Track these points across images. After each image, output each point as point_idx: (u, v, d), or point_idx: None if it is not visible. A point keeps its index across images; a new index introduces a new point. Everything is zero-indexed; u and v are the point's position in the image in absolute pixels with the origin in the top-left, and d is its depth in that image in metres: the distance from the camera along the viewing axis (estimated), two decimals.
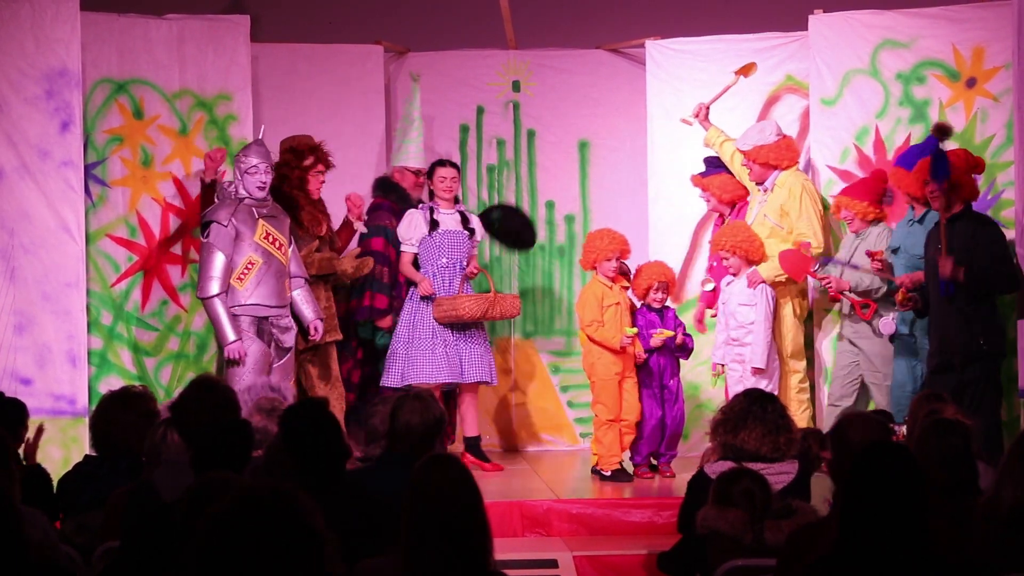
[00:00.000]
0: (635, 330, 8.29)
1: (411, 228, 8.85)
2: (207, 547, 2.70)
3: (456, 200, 8.97)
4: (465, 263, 8.86)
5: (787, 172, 8.50)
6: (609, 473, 8.22)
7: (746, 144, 8.58)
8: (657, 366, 8.37)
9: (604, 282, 8.36)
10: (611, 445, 8.23)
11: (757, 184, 8.61)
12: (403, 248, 8.87)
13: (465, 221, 8.93)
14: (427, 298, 8.71)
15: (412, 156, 9.10)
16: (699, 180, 8.92)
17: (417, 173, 9.08)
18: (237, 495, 2.73)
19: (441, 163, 9.01)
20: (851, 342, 8.40)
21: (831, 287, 8.17)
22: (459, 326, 8.71)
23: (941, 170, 7.51)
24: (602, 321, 8.27)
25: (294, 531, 2.71)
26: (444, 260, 8.81)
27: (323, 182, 8.58)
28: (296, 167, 8.48)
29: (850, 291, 8.19)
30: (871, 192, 8.37)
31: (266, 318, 8.12)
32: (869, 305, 8.15)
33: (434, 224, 8.80)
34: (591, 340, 8.32)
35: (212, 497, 3.85)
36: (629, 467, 8.39)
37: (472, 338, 8.75)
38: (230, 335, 7.92)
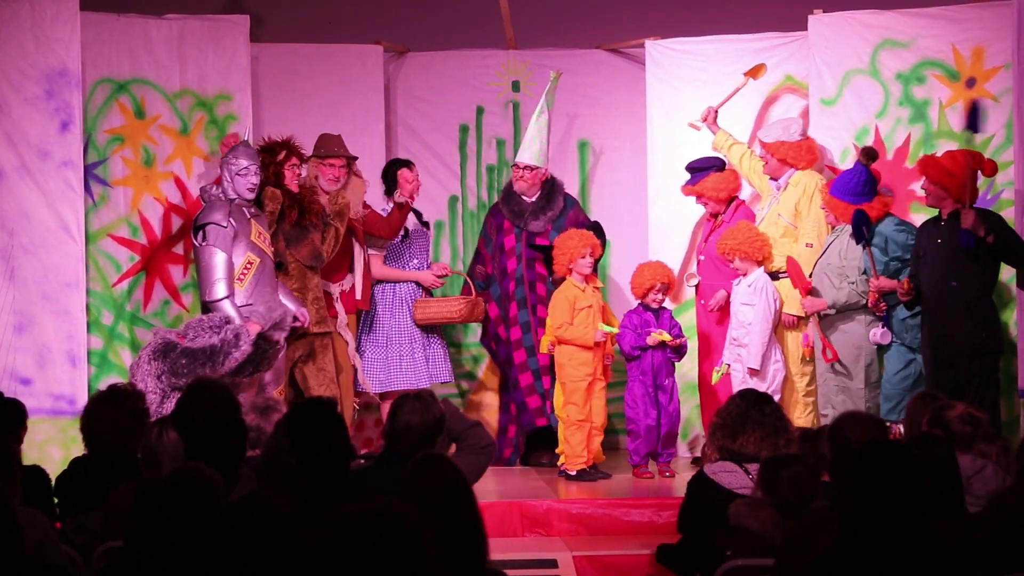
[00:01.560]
0: (615, 329, 8.27)
1: None
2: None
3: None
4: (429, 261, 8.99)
5: (803, 171, 8.50)
6: (575, 473, 8.21)
7: (769, 137, 8.57)
8: (652, 366, 8.35)
9: (577, 284, 8.34)
10: (577, 446, 8.23)
11: (771, 178, 8.60)
12: (371, 251, 8.85)
13: (419, 215, 9.02)
14: (428, 291, 8.83)
15: (520, 152, 9.03)
16: (690, 189, 8.88)
17: (523, 167, 8.93)
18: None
19: (408, 164, 8.99)
20: None
21: (805, 307, 8.09)
22: (425, 328, 8.75)
23: (869, 187, 8.01)
24: (571, 322, 8.25)
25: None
26: (416, 262, 8.89)
27: (299, 175, 8.46)
28: (270, 163, 8.45)
29: (828, 308, 8.02)
30: None
31: None
32: (832, 353, 8.00)
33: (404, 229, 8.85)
34: (561, 341, 8.30)
35: (185, 489, 3.85)
36: (629, 469, 8.40)
37: (434, 339, 8.84)
38: None
